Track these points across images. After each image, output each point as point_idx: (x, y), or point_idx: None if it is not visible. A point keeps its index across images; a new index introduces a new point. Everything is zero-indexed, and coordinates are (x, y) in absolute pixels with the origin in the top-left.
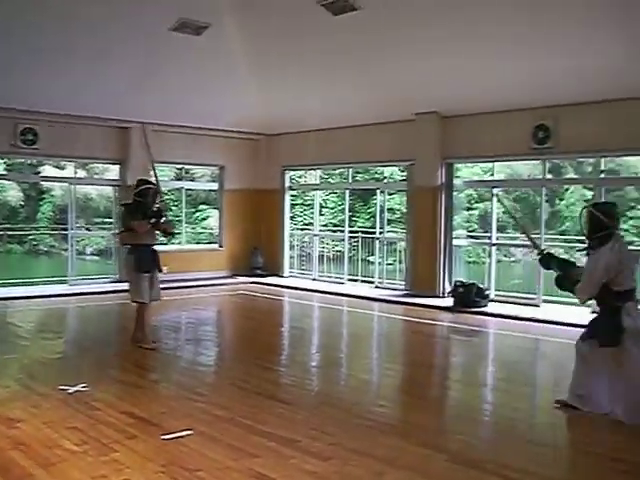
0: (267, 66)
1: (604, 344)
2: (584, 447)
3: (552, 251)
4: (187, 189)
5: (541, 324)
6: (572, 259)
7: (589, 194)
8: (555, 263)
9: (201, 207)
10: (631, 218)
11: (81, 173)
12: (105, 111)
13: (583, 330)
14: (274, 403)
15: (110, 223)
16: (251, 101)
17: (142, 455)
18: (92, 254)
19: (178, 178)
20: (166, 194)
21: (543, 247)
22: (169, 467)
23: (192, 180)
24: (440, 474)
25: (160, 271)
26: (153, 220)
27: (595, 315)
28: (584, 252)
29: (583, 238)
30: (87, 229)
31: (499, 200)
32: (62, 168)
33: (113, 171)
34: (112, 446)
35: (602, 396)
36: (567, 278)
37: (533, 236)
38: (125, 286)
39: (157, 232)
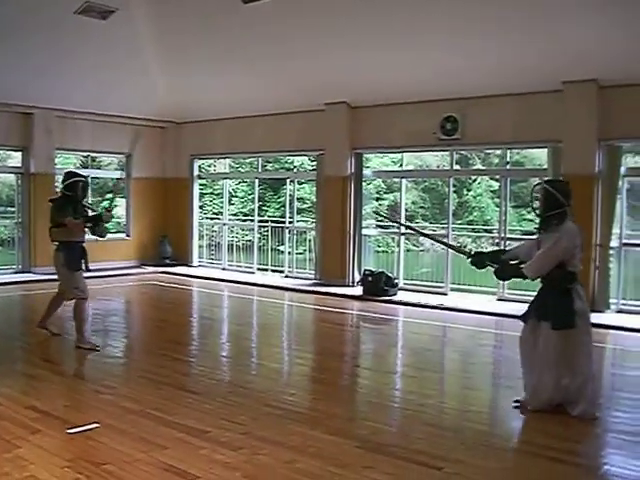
0: (175, 53)
1: (558, 326)
2: (495, 432)
3: (460, 241)
4: (94, 177)
5: (449, 312)
6: (496, 247)
7: (496, 185)
8: (487, 258)
9: (108, 196)
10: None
11: None
12: (6, 96)
13: (523, 312)
14: (183, 394)
15: (12, 212)
16: (158, 88)
17: (47, 450)
18: None
19: (84, 166)
20: (114, 197)
21: (468, 249)
22: (75, 461)
23: (99, 168)
24: (351, 461)
25: (88, 270)
26: (89, 224)
27: (539, 296)
28: (538, 230)
29: (487, 227)
30: None
31: (409, 228)
32: None
33: (15, 158)
34: (15, 442)
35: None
36: (504, 267)
37: (454, 244)
38: (28, 277)
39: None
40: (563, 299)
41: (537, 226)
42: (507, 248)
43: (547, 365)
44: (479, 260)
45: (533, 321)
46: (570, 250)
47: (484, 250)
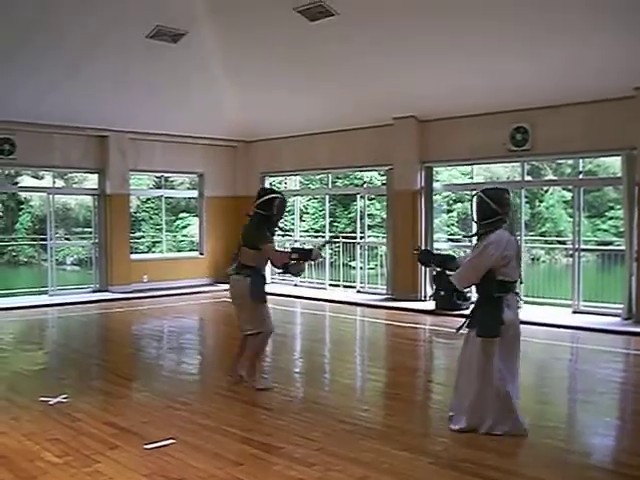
0: (244, 73)
1: (482, 334)
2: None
3: (533, 253)
4: (167, 197)
5: (522, 325)
6: (447, 253)
7: (568, 195)
8: (434, 260)
9: (181, 215)
10: (610, 218)
11: (59, 183)
12: (81, 120)
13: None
14: (257, 410)
15: (90, 232)
16: (229, 108)
17: (125, 465)
18: (72, 264)
19: (158, 186)
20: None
21: (417, 245)
22: (152, 476)
23: (172, 188)
24: (424, 476)
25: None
26: (294, 259)
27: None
28: (471, 238)
29: (561, 239)
30: (67, 239)
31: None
32: (40, 178)
33: (92, 180)
34: (94, 457)
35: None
36: (440, 277)
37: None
38: (105, 296)
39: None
40: (492, 308)
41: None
42: (458, 256)
43: (471, 373)
44: (425, 257)
45: (468, 330)
46: (498, 259)
47: (434, 252)
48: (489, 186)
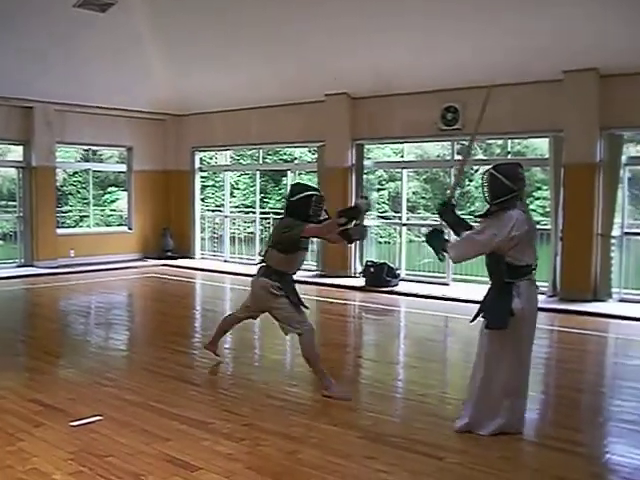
0: (174, 45)
1: (489, 326)
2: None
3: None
4: (95, 170)
5: (451, 302)
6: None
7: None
8: (453, 219)
9: (110, 189)
10: (537, 199)
11: None
12: (4, 89)
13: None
14: (186, 386)
15: (14, 206)
16: (158, 81)
17: (50, 443)
18: None
19: (85, 159)
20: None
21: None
22: (79, 454)
23: (100, 161)
24: (353, 451)
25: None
26: (343, 220)
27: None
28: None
29: None
30: None
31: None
32: None
33: (16, 152)
34: (18, 435)
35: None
36: (436, 234)
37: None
38: (30, 271)
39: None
40: (500, 296)
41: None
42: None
43: (478, 367)
44: (448, 212)
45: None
46: (503, 240)
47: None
48: (500, 162)
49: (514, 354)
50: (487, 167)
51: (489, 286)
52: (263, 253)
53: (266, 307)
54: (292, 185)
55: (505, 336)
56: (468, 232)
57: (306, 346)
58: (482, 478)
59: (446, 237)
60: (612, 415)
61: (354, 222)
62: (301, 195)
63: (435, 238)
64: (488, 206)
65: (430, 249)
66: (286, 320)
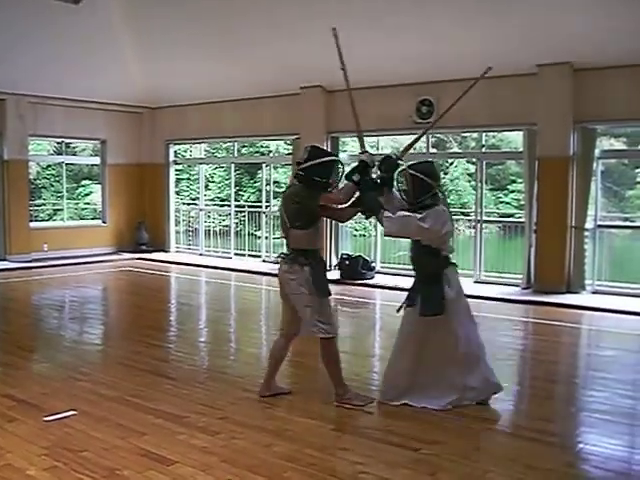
0: (148, 37)
1: (428, 313)
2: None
3: None
4: (68, 164)
5: None
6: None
7: (472, 168)
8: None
9: (84, 182)
10: (512, 192)
11: None
12: None
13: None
14: (161, 380)
15: None
16: (133, 73)
17: (24, 438)
18: None
19: (58, 152)
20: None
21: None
22: (53, 449)
23: (74, 154)
24: (328, 443)
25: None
26: (356, 177)
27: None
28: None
29: (464, 210)
30: None
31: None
32: None
33: None
34: None
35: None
36: (372, 196)
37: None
38: (3, 265)
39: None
40: (434, 285)
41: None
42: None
43: (404, 350)
44: (389, 165)
45: (406, 308)
46: (443, 236)
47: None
48: (413, 161)
49: (448, 335)
50: (404, 167)
51: (416, 277)
52: (284, 235)
53: (295, 300)
54: (311, 147)
55: (437, 320)
56: (408, 214)
57: (336, 347)
58: (457, 469)
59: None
60: (585, 405)
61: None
62: (324, 159)
63: (373, 189)
64: (409, 205)
65: (365, 197)
66: (312, 318)
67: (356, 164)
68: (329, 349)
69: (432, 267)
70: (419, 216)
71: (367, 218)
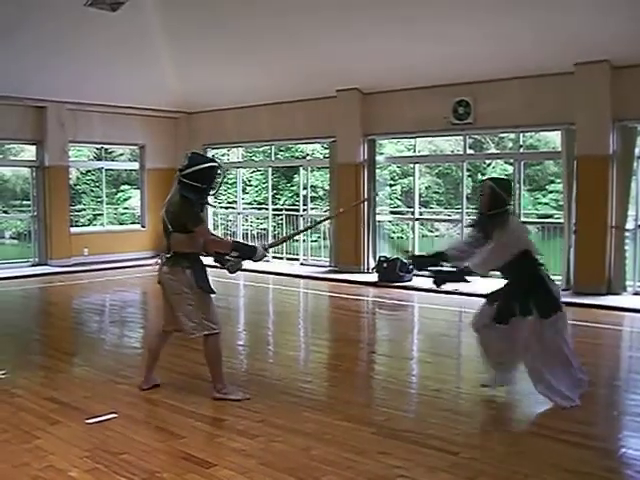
0: (185, 43)
1: (549, 313)
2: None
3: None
4: (107, 169)
5: (463, 297)
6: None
7: (510, 169)
8: (429, 263)
9: (122, 187)
10: (550, 192)
11: None
12: (18, 90)
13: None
14: (200, 383)
15: (28, 205)
16: (170, 78)
17: (66, 441)
18: (11, 237)
19: (98, 158)
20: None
21: (408, 249)
22: (94, 451)
23: (112, 160)
24: (366, 447)
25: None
26: (235, 254)
27: (509, 295)
28: (471, 226)
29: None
30: (4, 212)
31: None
32: None
33: (29, 152)
34: (34, 433)
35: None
36: (446, 275)
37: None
38: (45, 269)
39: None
40: (539, 287)
41: (472, 222)
42: (446, 250)
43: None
44: (420, 262)
45: (517, 318)
46: (528, 240)
47: (424, 254)
48: (494, 176)
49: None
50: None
51: (517, 286)
52: (168, 241)
53: (176, 300)
54: (191, 154)
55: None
56: (496, 246)
57: (218, 344)
58: (497, 473)
59: (446, 269)
60: (627, 409)
61: (239, 257)
62: (204, 166)
63: (444, 278)
64: (480, 215)
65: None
66: (197, 317)
67: (250, 247)
68: (214, 345)
69: (534, 269)
70: (490, 245)
71: (230, 271)
